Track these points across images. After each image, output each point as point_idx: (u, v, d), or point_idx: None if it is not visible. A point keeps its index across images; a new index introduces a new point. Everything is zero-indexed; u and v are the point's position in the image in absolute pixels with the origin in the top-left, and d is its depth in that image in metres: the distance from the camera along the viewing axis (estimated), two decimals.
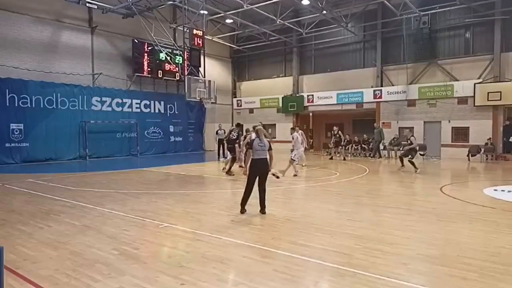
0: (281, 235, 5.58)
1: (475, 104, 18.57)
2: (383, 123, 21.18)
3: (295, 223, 6.27)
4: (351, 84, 22.77)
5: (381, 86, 21.80)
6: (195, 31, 19.07)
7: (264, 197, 6.87)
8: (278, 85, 26.10)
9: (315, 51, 24.84)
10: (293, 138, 12.82)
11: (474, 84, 18.54)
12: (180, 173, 13.48)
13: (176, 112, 23.50)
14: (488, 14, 18.30)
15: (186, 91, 18.66)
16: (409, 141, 13.84)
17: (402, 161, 14.19)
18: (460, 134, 19.21)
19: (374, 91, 21.85)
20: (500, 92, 17.79)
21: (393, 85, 21.38)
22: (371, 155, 20.20)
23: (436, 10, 18.93)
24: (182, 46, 19.98)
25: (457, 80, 19.38)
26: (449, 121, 19.57)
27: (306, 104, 24.62)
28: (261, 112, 26.69)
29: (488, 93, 18.11)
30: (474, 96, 18.55)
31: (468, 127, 18.93)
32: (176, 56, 21.98)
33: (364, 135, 21.45)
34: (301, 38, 24.36)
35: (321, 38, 23.86)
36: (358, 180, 11.40)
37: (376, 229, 5.96)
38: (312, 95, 24.34)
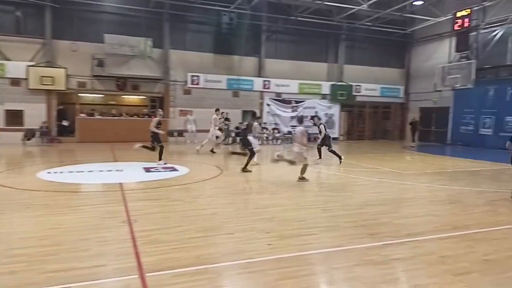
0: None
1: (29, 87, 18.29)
2: None
3: None
4: None
5: None
6: None
7: None
8: None
9: None
10: None
11: (27, 66, 18.15)
12: None
13: None
14: None
15: None
16: (319, 129, 12.78)
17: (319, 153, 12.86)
18: (15, 117, 18.34)
19: None
20: (53, 77, 18.49)
21: None
22: None
23: None
24: None
25: (9, 60, 18.19)
26: (3, 104, 18.16)
27: None
28: None
29: (41, 77, 18.30)
30: (27, 79, 18.18)
31: (23, 110, 18.40)
32: None
33: None
34: None
35: None
36: None
37: None
38: None
